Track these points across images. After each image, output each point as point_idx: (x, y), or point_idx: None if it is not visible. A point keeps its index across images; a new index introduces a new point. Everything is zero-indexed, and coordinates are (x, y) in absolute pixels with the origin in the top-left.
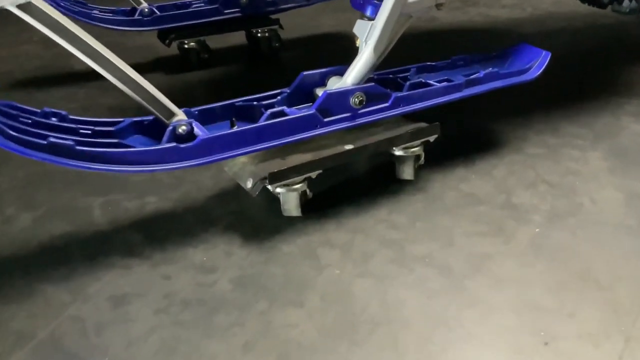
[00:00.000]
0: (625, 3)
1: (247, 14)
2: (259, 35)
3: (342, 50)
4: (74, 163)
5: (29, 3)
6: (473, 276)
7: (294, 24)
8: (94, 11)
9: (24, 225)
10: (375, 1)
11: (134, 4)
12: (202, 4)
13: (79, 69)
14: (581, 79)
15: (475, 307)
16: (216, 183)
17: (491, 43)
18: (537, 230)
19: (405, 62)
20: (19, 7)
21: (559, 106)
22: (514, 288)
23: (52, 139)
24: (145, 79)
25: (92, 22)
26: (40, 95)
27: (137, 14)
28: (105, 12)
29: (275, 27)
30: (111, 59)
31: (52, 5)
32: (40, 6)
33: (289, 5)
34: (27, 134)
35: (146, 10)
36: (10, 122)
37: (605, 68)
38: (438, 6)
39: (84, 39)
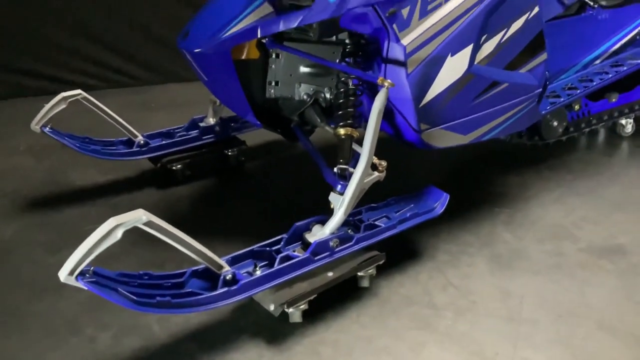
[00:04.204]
0: None
1: (220, 138)
2: (229, 154)
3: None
4: (170, 311)
5: (150, 221)
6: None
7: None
8: (100, 146)
9: (106, 343)
10: (342, 182)
11: (130, 136)
12: (184, 132)
13: (81, 184)
14: (469, 189)
15: None
16: None
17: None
18: (449, 322)
19: None
20: (145, 224)
21: (456, 216)
22: None
23: (158, 298)
24: (140, 194)
25: (102, 156)
26: (57, 215)
27: (135, 146)
28: (109, 146)
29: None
30: (194, 245)
31: (70, 147)
32: (157, 222)
33: (253, 128)
34: (141, 296)
35: (142, 142)
36: (130, 289)
37: (486, 178)
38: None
39: (181, 237)
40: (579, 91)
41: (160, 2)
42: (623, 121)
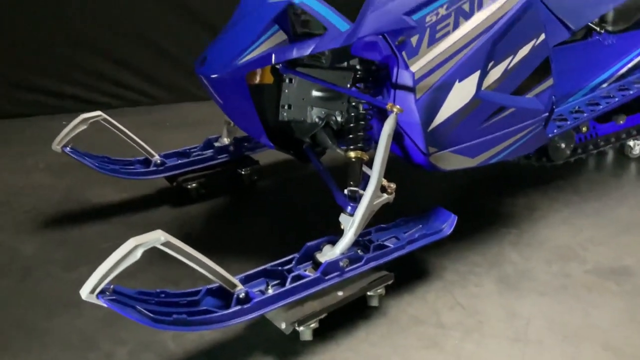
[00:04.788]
0: None
1: (234, 158)
2: (242, 173)
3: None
4: (185, 328)
5: (168, 242)
6: None
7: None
8: (118, 165)
9: (123, 358)
10: (352, 204)
11: (148, 155)
12: (200, 152)
13: (98, 202)
14: (477, 210)
15: None
16: None
17: None
18: (456, 342)
19: None
20: (163, 244)
21: (464, 236)
22: None
23: (175, 316)
24: (155, 212)
25: (120, 176)
26: (75, 233)
27: (152, 165)
28: (127, 166)
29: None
30: (209, 264)
31: (89, 166)
32: (174, 242)
33: (266, 148)
34: (158, 314)
35: (158, 161)
36: (148, 307)
37: (494, 199)
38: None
39: (197, 256)
40: (585, 114)
41: (175, 22)
42: (631, 143)
